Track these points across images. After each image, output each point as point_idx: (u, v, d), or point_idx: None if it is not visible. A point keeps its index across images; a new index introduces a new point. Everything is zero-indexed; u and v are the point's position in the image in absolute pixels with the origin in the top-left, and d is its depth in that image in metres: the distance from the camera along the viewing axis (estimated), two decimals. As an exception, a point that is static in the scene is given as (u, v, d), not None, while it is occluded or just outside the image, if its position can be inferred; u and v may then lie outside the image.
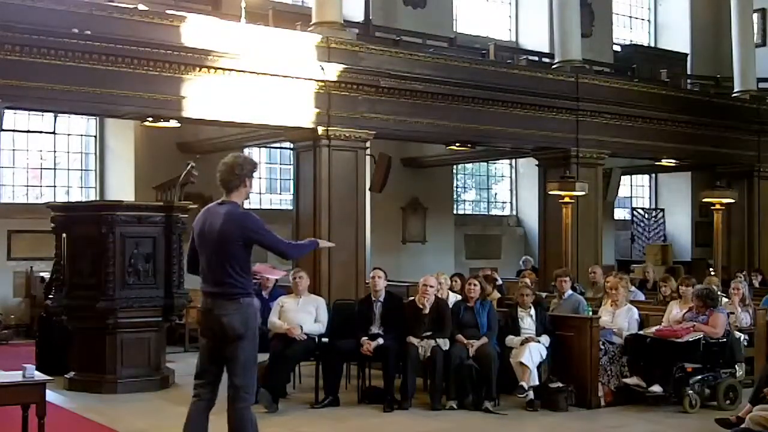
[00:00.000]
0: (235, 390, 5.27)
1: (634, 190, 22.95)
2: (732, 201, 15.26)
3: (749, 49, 17.38)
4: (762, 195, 17.42)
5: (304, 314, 8.87)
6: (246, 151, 16.41)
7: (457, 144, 14.40)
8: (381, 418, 8.15)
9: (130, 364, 9.14)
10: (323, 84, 11.77)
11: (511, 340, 8.75)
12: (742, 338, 9.24)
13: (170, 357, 10.71)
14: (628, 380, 8.62)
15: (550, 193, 13.49)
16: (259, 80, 11.29)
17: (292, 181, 12.88)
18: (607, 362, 8.69)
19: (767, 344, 9.87)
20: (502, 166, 20.95)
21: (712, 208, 14.77)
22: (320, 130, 11.78)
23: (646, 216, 21.97)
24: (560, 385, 8.49)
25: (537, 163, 15.48)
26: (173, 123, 11.85)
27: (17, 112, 14.01)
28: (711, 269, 14.11)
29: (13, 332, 13.59)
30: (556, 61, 15.30)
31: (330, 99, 11.88)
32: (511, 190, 20.94)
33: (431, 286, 8.84)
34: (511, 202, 20.90)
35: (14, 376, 6.08)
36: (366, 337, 8.66)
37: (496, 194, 21.01)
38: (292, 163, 13.12)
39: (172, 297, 9.24)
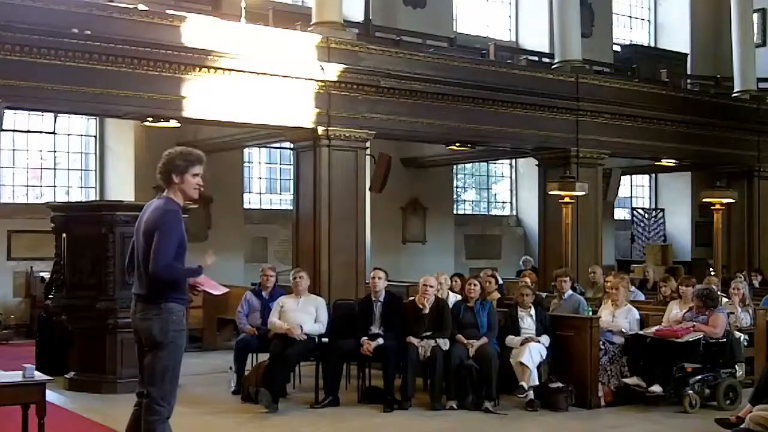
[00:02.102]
0: (148, 400, 4.96)
1: (634, 190, 22.95)
2: (732, 201, 15.24)
3: (749, 49, 17.37)
4: (762, 195, 17.42)
5: (304, 314, 8.88)
6: (246, 151, 16.45)
7: (457, 144, 14.39)
8: (381, 418, 8.15)
9: (130, 364, 9.02)
10: (323, 84, 11.77)
11: (511, 340, 8.75)
12: (742, 338, 9.24)
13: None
14: (628, 380, 8.62)
15: (550, 193, 13.48)
16: (259, 80, 11.28)
17: (292, 181, 12.88)
18: (607, 362, 8.69)
19: (767, 344, 9.88)
20: (502, 166, 20.95)
21: (712, 208, 14.75)
22: (320, 130, 11.77)
23: (646, 216, 21.97)
24: (560, 385, 8.49)
25: (537, 163, 15.48)
26: (173, 123, 11.84)
27: (17, 112, 14.01)
28: (711, 269, 14.11)
29: (13, 332, 13.60)
30: (556, 61, 15.30)
31: (330, 99, 11.88)
32: (511, 190, 20.94)
33: (431, 286, 8.84)
34: (511, 202, 20.90)
35: (14, 376, 6.07)
36: (366, 337, 8.66)
37: (496, 194, 21.01)
38: (292, 163, 13.12)
39: (172, 297, 9.22)
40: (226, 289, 5.54)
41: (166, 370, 4.98)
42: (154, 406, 4.95)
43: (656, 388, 8.40)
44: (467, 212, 20.29)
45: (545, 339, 8.66)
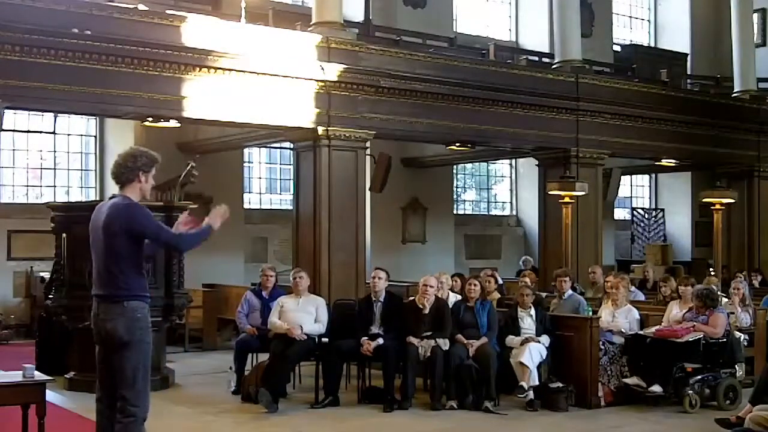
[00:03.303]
0: (121, 402, 4.89)
1: (634, 190, 22.94)
2: (732, 201, 15.25)
3: (749, 49, 17.37)
4: (762, 195, 17.42)
5: (304, 314, 8.88)
6: (246, 151, 16.46)
7: (457, 144, 14.40)
8: (381, 418, 8.15)
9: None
10: (323, 84, 11.77)
11: (511, 340, 8.76)
12: (742, 338, 9.25)
13: (170, 357, 10.73)
14: (628, 380, 8.63)
15: (550, 193, 13.48)
16: (259, 80, 11.28)
17: (292, 181, 12.88)
18: (607, 362, 8.70)
19: (767, 344, 9.88)
20: (502, 166, 20.95)
21: (712, 208, 14.75)
22: (320, 130, 11.77)
23: (646, 216, 21.97)
24: (560, 385, 8.49)
25: (537, 163, 15.48)
26: (173, 123, 11.84)
27: (17, 112, 13.99)
28: (711, 269, 14.11)
29: (13, 332, 13.58)
30: (556, 61, 15.30)
31: (330, 99, 11.88)
32: (511, 190, 20.94)
33: (431, 286, 8.84)
34: (511, 202, 20.90)
35: (14, 376, 6.07)
36: (366, 337, 8.66)
37: (496, 194, 21.01)
38: (292, 163, 13.12)
39: (172, 297, 9.23)
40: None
41: (137, 370, 4.91)
42: (128, 408, 4.88)
43: (656, 388, 8.40)
44: (467, 212, 20.28)
45: (545, 339, 8.66)
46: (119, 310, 4.88)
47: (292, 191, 12.84)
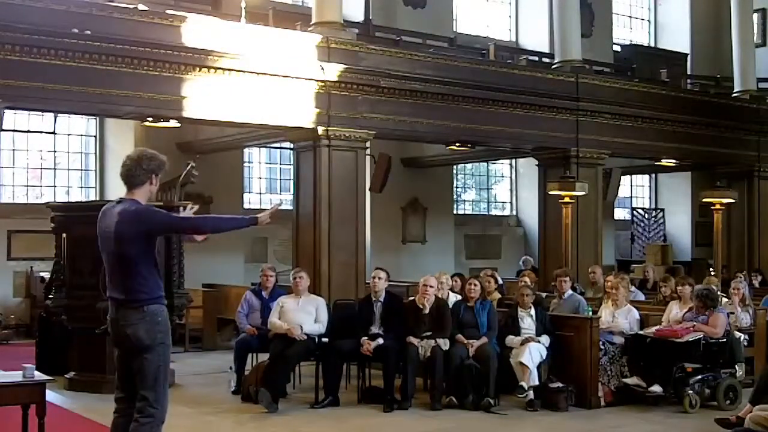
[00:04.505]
0: (142, 402, 4.87)
1: (634, 190, 22.95)
2: (732, 201, 15.23)
3: (749, 49, 17.38)
4: (762, 195, 17.42)
5: (304, 314, 8.88)
6: (246, 151, 16.46)
7: (457, 144, 14.41)
8: (381, 418, 8.15)
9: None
10: (323, 84, 11.77)
11: (511, 340, 8.76)
12: (742, 338, 9.25)
13: (170, 357, 10.71)
14: (628, 380, 8.63)
15: (550, 193, 13.49)
16: (259, 80, 11.29)
17: (292, 181, 12.89)
18: (607, 362, 8.70)
19: (767, 344, 9.88)
20: (502, 166, 20.95)
21: (712, 208, 14.74)
22: (320, 130, 11.78)
23: (646, 216, 21.97)
24: (560, 385, 8.49)
25: (537, 163, 15.48)
26: (173, 123, 11.85)
27: (17, 112, 14.01)
28: (711, 269, 14.11)
29: (13, 332, 13.59)
30: (556, 61, 15.30)
31: (330, 99, 11.88)
32: (511, 190, 20.94)
33: (431, 286, 8.84)
34: (511, 202, 20.90)
35: (14, 376, 6.06)
36: (366, 337, 8.66)
37: (496, 194, 21.01)
38: (292, 163, 13.13)
39: (172, 297, 9.18)
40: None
41: (158, 371, 4.93)
42: (148, 409, 4.87)
43: (656, 388, 8.40)
44: (467, 212, 20.28)
45: (545, 339, 8.66)
46: (139, 315, 4.86)
47: (292, 191, 12.84)
